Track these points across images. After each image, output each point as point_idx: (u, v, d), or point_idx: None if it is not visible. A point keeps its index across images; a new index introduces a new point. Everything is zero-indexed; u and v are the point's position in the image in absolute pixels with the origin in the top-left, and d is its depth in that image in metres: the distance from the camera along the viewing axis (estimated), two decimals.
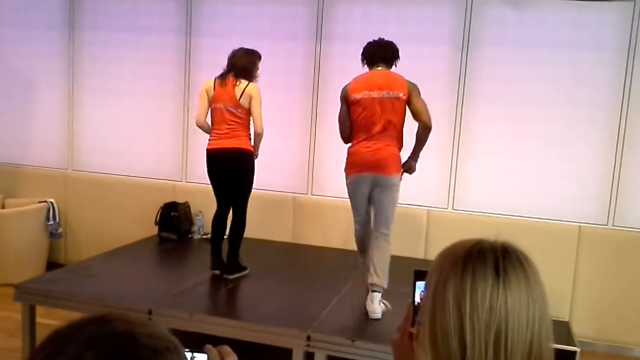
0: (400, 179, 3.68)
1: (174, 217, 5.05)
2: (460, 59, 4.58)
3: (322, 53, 4.88)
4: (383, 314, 3.44)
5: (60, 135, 5.61)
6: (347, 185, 3.69)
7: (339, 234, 4.91)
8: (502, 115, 4.55)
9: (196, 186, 5.26)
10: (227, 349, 0.95)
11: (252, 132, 4.01)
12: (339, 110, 3.71)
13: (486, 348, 0.93)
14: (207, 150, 4.01)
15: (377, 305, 3.43)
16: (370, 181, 3.56)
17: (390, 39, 3.72)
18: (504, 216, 4.52)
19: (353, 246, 4.81)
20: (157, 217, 5.09)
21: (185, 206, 5.17)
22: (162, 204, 5.11)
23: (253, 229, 4.94)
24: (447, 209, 4.71)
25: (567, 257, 4.41)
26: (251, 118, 3.95)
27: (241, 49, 4.01)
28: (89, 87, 5.49)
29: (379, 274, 3.45)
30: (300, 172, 5.02)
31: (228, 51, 5.00)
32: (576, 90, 4.38)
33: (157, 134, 5.36)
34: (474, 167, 4.65)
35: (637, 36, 4.24)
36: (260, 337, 3.21)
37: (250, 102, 3.87)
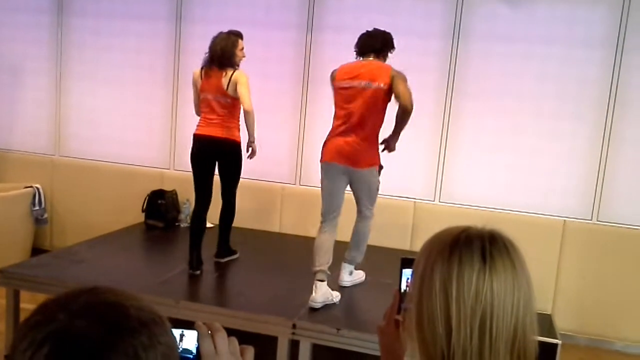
0: (378, 171, 3.66)
1: (161, 205, 5.03)
2: (451, 53, 4.60)
3: (312, 43, 4.88)
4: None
5: (47, 121, 5.56)
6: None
7: None
8: (490, 110, 4.57)
9: (184, 174, 5.22)
10: (217, 325, 0.96)
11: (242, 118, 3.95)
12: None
13: (471, 332, 0.95)
14: (195, 135, 3.97)
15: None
16: (342, 171, 3.56)
17: (384, 29, 3.68)
18: (490, 209, 4.56)
19: (338, 236, 4.84)
20: (144, 204, 5.07)
21: (173, 194, 5.16)
22: (149, 192, 5.09)
23: (241, 218, 4.95)
24: (433, 201, 4.74)
25: (552, 251, 4.46)
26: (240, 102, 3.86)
27: (220, 33, 3.92)
28: (77, 74, 5.44)
29: None
30: (289, 162, 5.02)
31: None
32: (565, 86, 4.42)
33: (146, 121, 5.33)
34: (461, 160, 4.67)
35: (625, 33, 4.28)
36: (246, 325, 3.22)
37: (236, 88, 3.82)
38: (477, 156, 4.64)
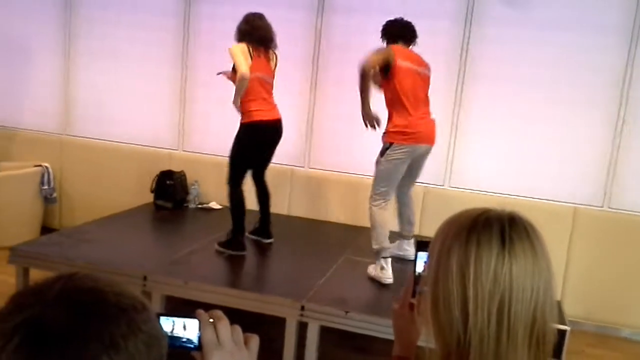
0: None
1: (169, 186, 5.03)
2: (463, 36, 4.54)
3: (323, 25, 4.82)
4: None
5: (56, 99, 5.55)
6: (396, 155, 3.69)
7: (335, 207, 4.92)
8: (502, 95, 4.52)
9: (193, 155, 5.23)
10: (218, 313, 0.93)
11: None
12: (373, 56, 3.62)
13: (489, 317, 0.93)
14: (264, 120, 3.89)
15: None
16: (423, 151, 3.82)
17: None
18: (500, 195, 4.53)
19: (347, 219, 4.84)
20: (152, 185, 5.07)
21: (181, 175, 5.15)
22: (158, 172, 5.09)
23: (250, 201, 4.95)
24: (443, 186, 4.71)
25: (561, 238, 4.43)
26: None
27: (259, 16, 3.93)
28: (86, 52, 5.42)
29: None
30: (299, 145, 4.99)
31: (229, 18, 4.95)
32: (578, 73, 4.35)
33: (155, 101, 5.31)
34: (472, 145, 4.63)
35: None
36: (255, 306, 3.23)
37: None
38: (488, 141, 4.60)
